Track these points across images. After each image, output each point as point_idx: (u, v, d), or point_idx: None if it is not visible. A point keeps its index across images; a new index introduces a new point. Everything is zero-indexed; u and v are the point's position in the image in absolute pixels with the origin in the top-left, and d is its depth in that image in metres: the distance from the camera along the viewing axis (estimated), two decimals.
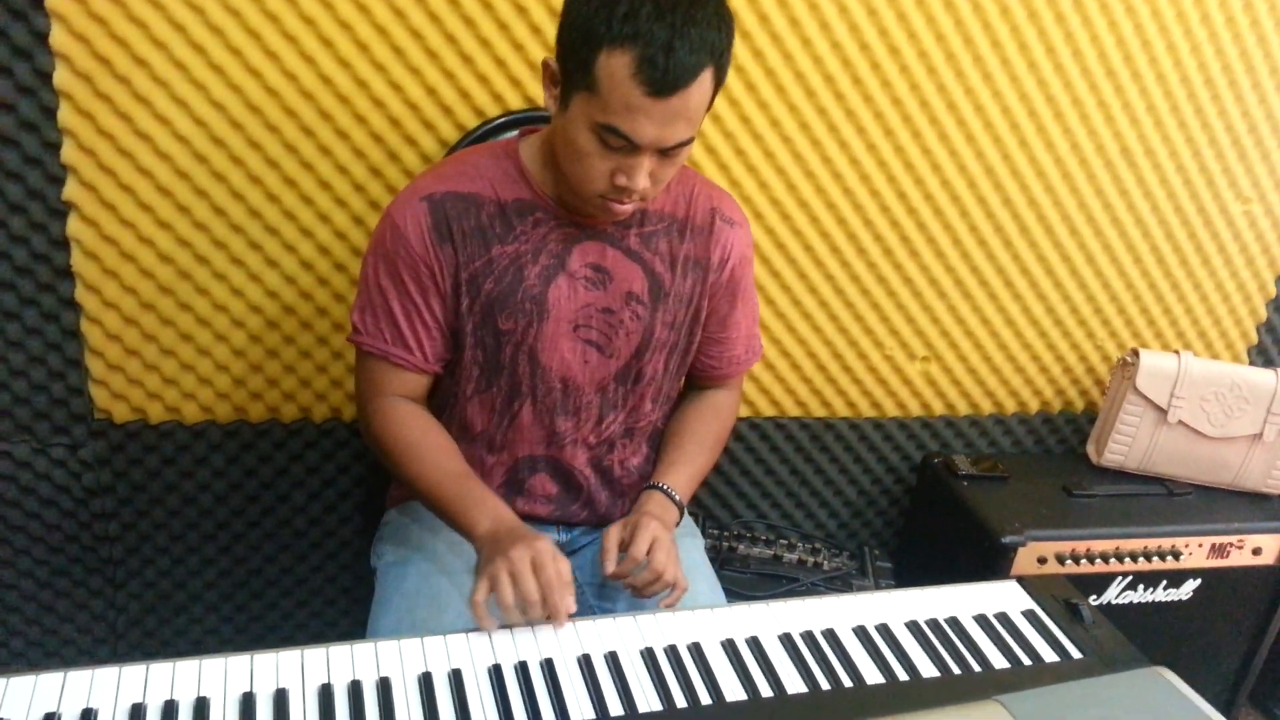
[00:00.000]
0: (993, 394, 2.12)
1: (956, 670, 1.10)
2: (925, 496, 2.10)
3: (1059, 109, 1.84)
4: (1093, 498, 1.96)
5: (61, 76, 1.46)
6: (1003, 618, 1.20)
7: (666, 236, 1.31)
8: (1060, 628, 1.19)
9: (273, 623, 1.99)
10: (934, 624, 1.17)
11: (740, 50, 1.65)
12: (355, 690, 0.97)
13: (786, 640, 1.11)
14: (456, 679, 1.00)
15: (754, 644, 1.10)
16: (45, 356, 1.64)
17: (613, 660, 1.05)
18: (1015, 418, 2.16)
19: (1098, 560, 1.86)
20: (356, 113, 1.58)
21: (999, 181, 1.88)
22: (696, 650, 1.07)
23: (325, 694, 0.96)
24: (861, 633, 1.14)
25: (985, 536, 1.82)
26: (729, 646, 1.09)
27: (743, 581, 1.75)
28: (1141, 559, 1.88)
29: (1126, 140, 1.90)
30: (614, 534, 1.25)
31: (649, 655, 1.06)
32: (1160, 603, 1.94)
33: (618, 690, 1.01)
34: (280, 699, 0.94)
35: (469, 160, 1.28)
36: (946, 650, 1.13)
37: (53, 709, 0.90)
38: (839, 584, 1.80)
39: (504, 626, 1.08)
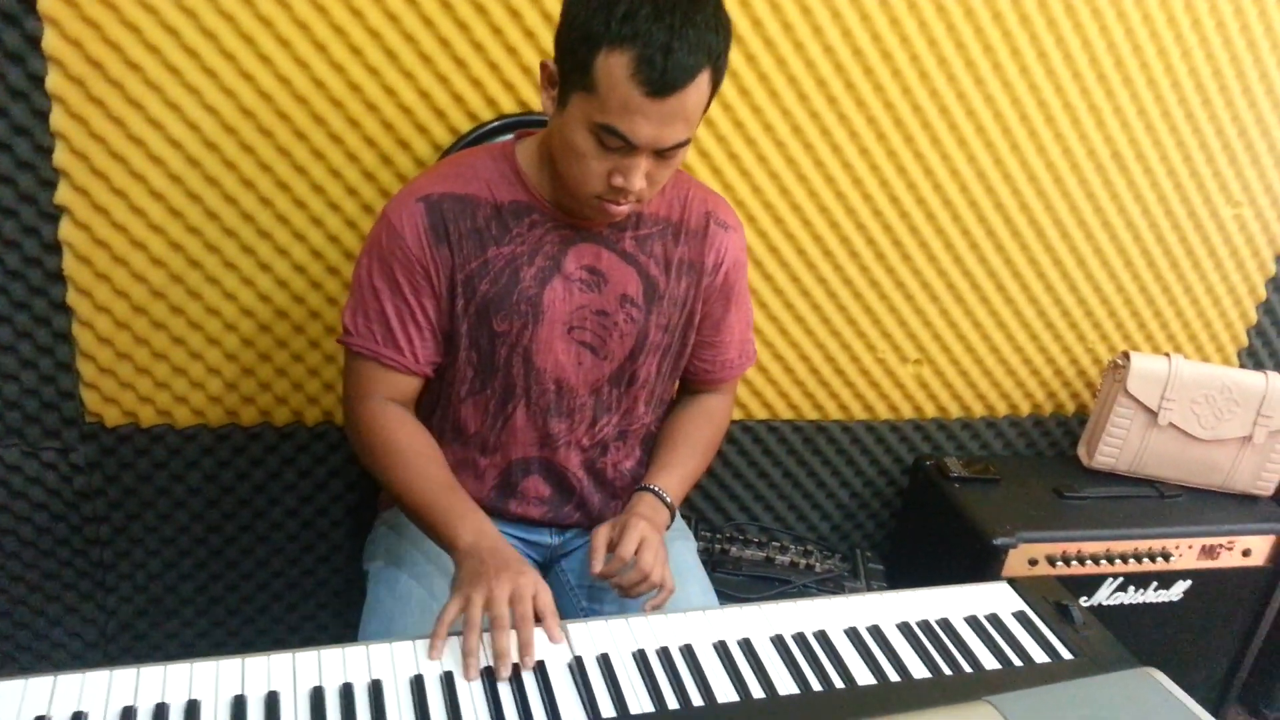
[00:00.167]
0: (984, 396, 2.12)
1: (947, 671, 1.11)
2: (917, 498, 2.10)
3: (1051, 113, 1.85)
4: (1084, 499, 1.97)
5: (54, 80, 1.46)
6: (994, 619, 1.20)
7: (661, 239, 1.31)
8: (1051, 629, 1.19)
9: (264, 626, 1.99)
10: (925, 625, 1.18)
11: (734, 54, 1.64)
12: (347, 693, 0.97)
13: (778, 642, 1.11)
14: (448, 681, 1.00)
15: (746, 645, 1.10)
16: (36, 360, 1.64)
17: (605, 662, 1.05)
18: (1007, 420, 2.17)
19: (1088, 562, 1.86)
20: (350, 117, 1.58)
21: (991, 185, 1.89)
22: (689, 652, 1.08)
23: (317, 697, 0.96)
24: (853, 634, 1.14)
25: (976, 538, 1.83)
26: (721, 648, 1.09)
27: (735, 584, 1.75)
28: (1132, 560, 1.89)
29: (1118, 144, 1.91)
30: (602, 534, 1.25)
31: (641, 657, 1.06)
32: (1151, 604, 1.95)
33: (610, 692, 1.01)
34: (271, 702, 0.94)
35: (466, 162, 1.28)
36: (938, 651, 1.14)
37: (43, 712, 0.90)
38: (831, 586, 1.80)
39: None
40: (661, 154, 1.13)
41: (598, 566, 1.22)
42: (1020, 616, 1.22)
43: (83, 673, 0.94)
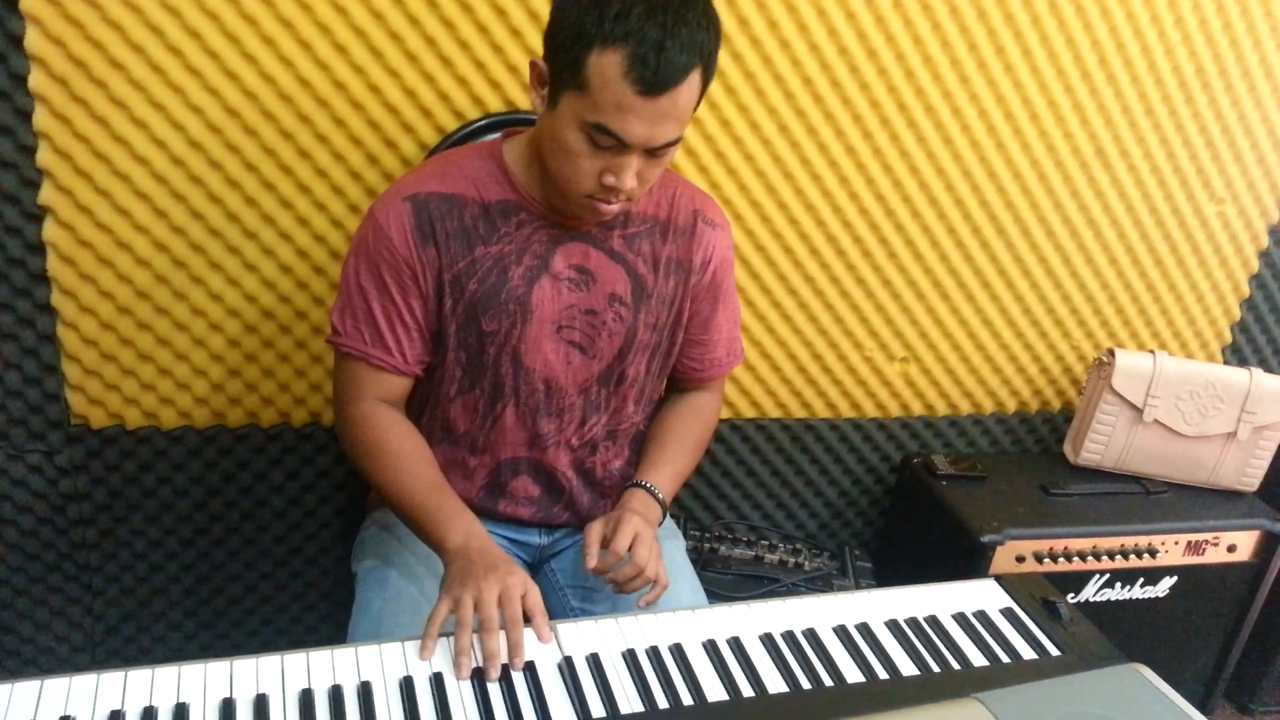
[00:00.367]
0: (971, 394, 2.13)
1: (936, 668, 1.11)
2: (905, 496, 2.11)
3: (1035, 111, 1.86)
4: (1070, 496, 1.98)
5: (37, 80, 1.45)
6: (981, 616, 1.21)
7: (649, 238, 1.31)
8: (1038, 625, 1.20)
9: (252, 628, 1.98)
10: (913, 623, 1.18)
11: (721, 54, 1.65)
12: (336, 695, 0.96)
13: (768, 640, 1.12)
14: (438, 683, 0.99)
15: (735, 644, 1.10)
16: (21, 362, 1.63)
17: (594, 662, 1.05)
18: (993, 418, 2.17)
19: (1075, 558, 1.87)
20: (335, 116, 1.58)
21: (976, 184, 1.90)
22: (678, 651, 1.08)
23: (306, 699, 0.95)
24: (842, 632, 1.14)
25: (964, 536, 1.83)
26: (710, 647, 1.09)
27: (724, 583, 1.76)
28: (1118, 557, 1.90)
29: (1102, 142, 1.92)
30: (596, 529, 1.25)
31: (630, 656, 1.06)
32: (1137, 600, 1.96)
33: (600, 692, 1.01)
34: (260, 705, 0.94)
35: (453, 161, 1.28)
36: (926, 649, 1.14)
37: (30, 717, 0.89)
38: (820, 584, 1.80)
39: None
40: (653, 153, 1.13)
41: (592, 562, 1.22)
42: (1008, 613, 1.22)
43: (69, 676, 0.94)
